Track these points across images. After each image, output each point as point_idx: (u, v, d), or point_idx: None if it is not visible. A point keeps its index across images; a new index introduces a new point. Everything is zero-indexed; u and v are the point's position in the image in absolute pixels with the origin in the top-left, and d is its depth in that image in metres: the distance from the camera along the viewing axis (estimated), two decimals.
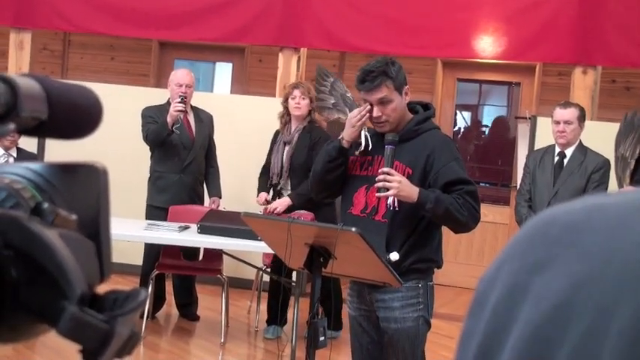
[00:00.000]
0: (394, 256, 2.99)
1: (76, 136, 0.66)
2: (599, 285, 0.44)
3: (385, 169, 2.96)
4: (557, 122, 5.11)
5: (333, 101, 3.70)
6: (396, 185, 2.92)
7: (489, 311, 0.49)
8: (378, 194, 2.97)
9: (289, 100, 5.38)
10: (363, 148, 3.16)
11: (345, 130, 3.15)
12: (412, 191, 2.94)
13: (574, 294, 0.45)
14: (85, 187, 0.64)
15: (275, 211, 5.22)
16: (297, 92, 5.34)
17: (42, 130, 0.63)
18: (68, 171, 0.64)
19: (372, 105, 3.08)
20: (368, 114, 3.08)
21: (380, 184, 2.94)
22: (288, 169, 5.35)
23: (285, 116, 5.43)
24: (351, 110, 3.39)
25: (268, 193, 5.46)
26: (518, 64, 7.36)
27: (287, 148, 5.39)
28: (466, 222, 2.98)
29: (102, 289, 0.58)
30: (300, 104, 5.32)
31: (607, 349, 0.42)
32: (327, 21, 6.56)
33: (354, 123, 3.10)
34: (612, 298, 0.43)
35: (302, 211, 5.24)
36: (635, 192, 0.48)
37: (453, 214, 2.94)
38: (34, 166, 0.63)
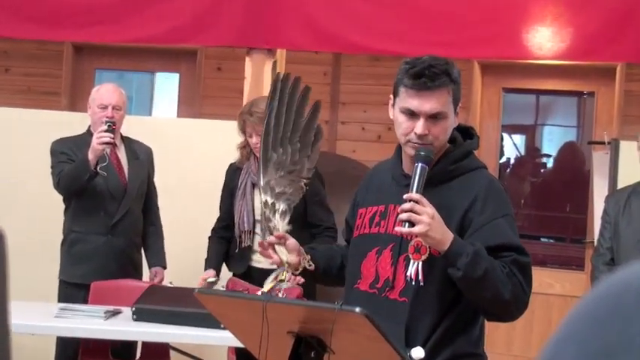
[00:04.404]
0: (418, 353, 2.97)
1: None
2: None
3: (414, 196, 2.95)
4: None
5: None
6: (426, 220, 2.89)
7: None
8: (398, 229, 2.96)
9: (247, 136, 5.41)
10: None
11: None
12: (445, 235, 2.93)
13: None
14: None
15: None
16: (250, 130, 5.32)
17: None
18: None
19: (413, 114, 3.08)
20: None
21: (404, 216, 2.92)
22: None
23: (247, 147, 5.45)
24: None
25: (228, 264, 5.46)
26: (590, 66, 7.41)
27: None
28: (508, 302, 2.96)
29: None
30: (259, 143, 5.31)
31: None
32: (314, 11, 6.58)
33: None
34: None
35: (285, 284, 5.22)
36: None
37: (493, 283, 2.92)
38: None
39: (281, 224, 3.22)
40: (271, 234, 3.20)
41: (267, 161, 3.27)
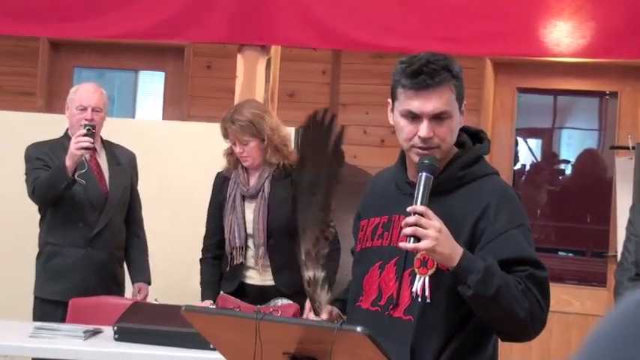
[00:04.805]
0: None
1: None
2: None
3: (418, 208, 2.92)
4: None
5: None
6: (433, 234, 2.87)
7: None
8: (403, 244, 2.94)
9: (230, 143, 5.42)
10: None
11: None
12: (454, 250, 2.91)
13: None
14: None
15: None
16: (232, 138, 5.34)
17: None
18: None
19: (415, 116, 3.05)
20: None
21: (409, 231, 2.90)
22: (263, 238, 5.32)
23: (234, 154, 5.42)
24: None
25: (225, 284, 5.44)
26: (613, 64, 7.40)
27: (252, 204, 5.40)
28: (523, 320, 2.93)
29: None
30: (245, 154, 5.34)
31: None
32: (313, 4, 6.56)
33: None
34: None
35: (280, 301, 5.20)
36: None
37: (507, 301, 2.90)
38: None
39: (325, 297, 3.15)
40: (317, 314, 3.14)
41: (304, 228, 3.18)
